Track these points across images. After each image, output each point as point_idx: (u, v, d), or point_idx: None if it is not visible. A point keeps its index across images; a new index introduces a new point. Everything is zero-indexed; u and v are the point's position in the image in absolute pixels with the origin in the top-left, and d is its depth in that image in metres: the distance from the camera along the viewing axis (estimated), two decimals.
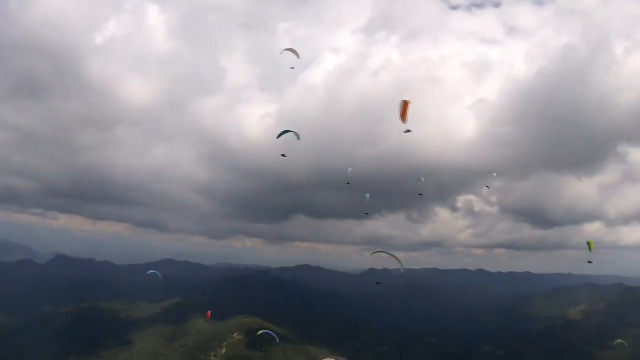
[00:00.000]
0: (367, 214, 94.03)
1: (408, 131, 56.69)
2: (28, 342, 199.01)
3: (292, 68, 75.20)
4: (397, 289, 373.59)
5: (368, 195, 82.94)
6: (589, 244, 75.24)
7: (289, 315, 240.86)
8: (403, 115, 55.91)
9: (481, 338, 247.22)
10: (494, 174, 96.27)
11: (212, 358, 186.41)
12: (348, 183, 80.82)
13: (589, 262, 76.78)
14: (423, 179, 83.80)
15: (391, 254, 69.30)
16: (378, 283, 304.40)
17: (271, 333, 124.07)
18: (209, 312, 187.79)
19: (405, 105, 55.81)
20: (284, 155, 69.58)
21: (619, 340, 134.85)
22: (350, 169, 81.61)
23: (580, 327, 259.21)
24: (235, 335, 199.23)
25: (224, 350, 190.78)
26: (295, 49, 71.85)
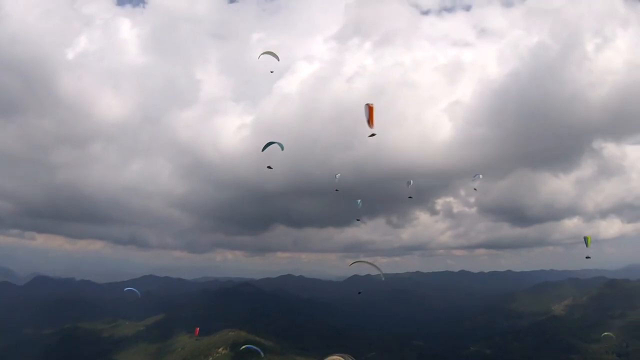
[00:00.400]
0: (358, 220, 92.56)
1: (372, 135, 55.88)
2: None
3: (272, 72, 74.02)
4: (380, 294, 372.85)
5: (359, 201, 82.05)
6: (585, 239, 73.91)
7: (273, 326, 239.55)
8: (370, 120, 55.14)
9: (468, 338, 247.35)
10: (480, 175, 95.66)
11: None
12: (336, 190, 79.74)
13: (587, 257, 75.46)
14: (412, 182, 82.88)
15: (370, 263, 68.36)
16: (359, 292, 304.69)
17: (254, 347, 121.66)
18: (197, 328, 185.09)
19: (370, 109, 54.99)
20: (269, 167, 69.83)
21: (605, 333, 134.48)
22: (338, 175, 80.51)
23: (565, 322, 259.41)
24: (220, 349, 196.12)
25: None
26: (275, 52, 70.58)
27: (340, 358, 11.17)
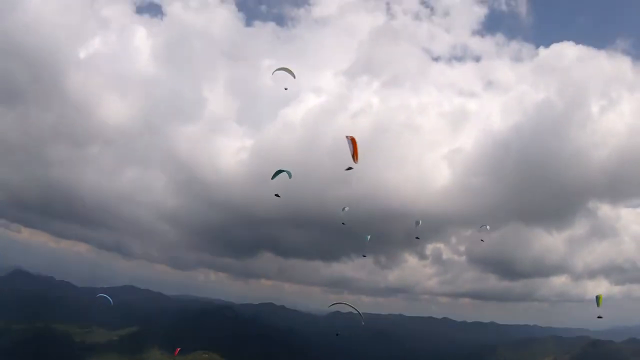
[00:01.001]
0: (364, 255, 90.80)
1: (349, 168, 53.91)
2: None
3: (286, 89, 71.82)
4: (361, 334, 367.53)
5: (368, 236, 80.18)
6: (597, 298, 71.45)
7: (248, 353, 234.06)
8: (354, 153, 53.14)
9: None
10: (488, 227, 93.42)
11: None
12: (343, 223, 77.58)
13: (599, 317, 72.73)
14: (420, 222, 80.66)
15: (351, 306, 66.67)
16: (337, 334, 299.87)
17: None
18: (178, 349, 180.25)
19: (353, 142, 53.04)
20: (277, 195, 68.55)
21: None
22: (346, 208, 78.06)
23: None
24: None
25: None
26: (290, 69, 68.26)
27: None
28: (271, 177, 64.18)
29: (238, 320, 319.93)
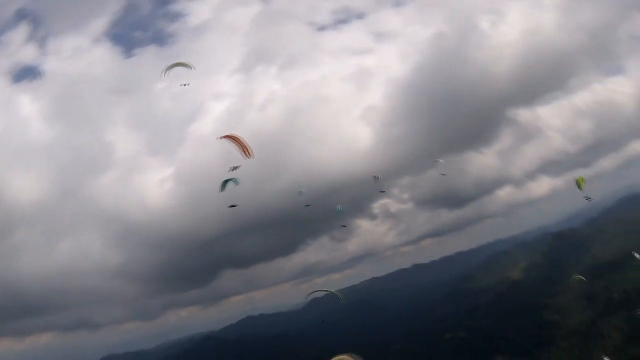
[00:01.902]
0: (344, 225, 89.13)
1: (232, 206, 53.78)
2: None
3: (186, 85, 68.13)
4: (343, 310, 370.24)
5: (340, 206, 79.79)
6: (577, 182, 69.16)
7: None
8: (245, 150, 52.16)
9: (440, 327, 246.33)
10: (440, 160, 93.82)
11: None
12: (307, 205, 76.82)
13: (587, 198, 70.80)
14: (379, 176, 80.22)
15: (325, 290, 66.37)
16: (323, 321, 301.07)
17: None
18: None
19: (234, 139, 52.14)
20: (233, 206, 67.28)
21: (575, 276, 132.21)
22: (302, 190, 77.29)
23: (526, 284, 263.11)
24: None
25: None
26: (185, 62, 65.03)
27: (349, 357, 10.96)
28: (219, 189, 62.84)
29: (224, 346, 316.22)
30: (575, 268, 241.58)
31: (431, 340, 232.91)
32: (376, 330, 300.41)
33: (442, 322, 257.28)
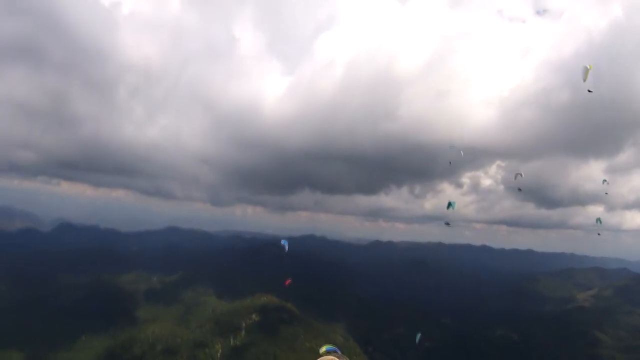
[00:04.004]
0: (447, 223, 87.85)
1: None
2: (35, 317, 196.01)
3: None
4: (405, 264, 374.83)
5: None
6: (584, 69, 62.05)
7: (303, 292, 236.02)
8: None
9: (493, 320, 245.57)
10: (522, 174, 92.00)
11: (232, 341, 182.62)
12: (449, 163, 77.52)
13: (589, 90, 64.20)
14: (462, 152, 79.51)
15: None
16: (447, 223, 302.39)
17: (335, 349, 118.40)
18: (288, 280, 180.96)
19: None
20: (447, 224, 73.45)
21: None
22: (453, 145, 77.99)
23: (591, 313, 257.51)
24: (253, 316, 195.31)
25: (243, 333, 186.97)
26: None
27: (335, 358, 10.47)
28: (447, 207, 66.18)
29: (285, 256, 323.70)
30: None
31: (482, 328, 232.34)
32: (428, 295, 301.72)
33: (496, 315, 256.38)
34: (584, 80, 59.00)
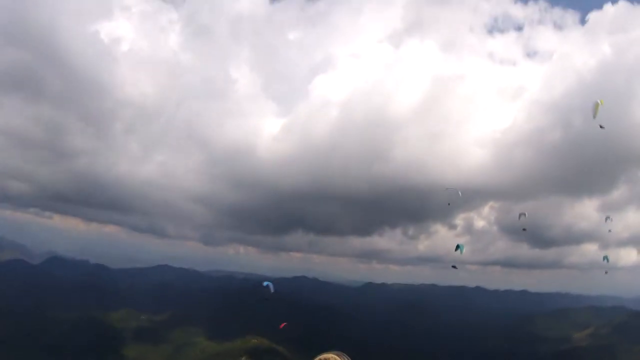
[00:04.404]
0: (454, 267, 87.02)
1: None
2: (22, 353, 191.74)
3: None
4: (396, 306, 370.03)
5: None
6: (594, 106, 56.51)
7: (294, 334, 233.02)
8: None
9: None
10: (526, 214, 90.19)
11: None
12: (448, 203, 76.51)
13: (601, 126, 58.14)
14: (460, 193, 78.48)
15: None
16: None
17: None
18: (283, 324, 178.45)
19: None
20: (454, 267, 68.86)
21: None
22: (448, 187, 76.94)
23: (589, 353, 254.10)
24: (243, 358, 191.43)
25: None
26: None
27: (336, 357, 8.01)
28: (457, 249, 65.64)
29: (276, 297, 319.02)
30: None
31: None
32: (423, 336, 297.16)
33: (494, 356, 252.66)
34: (594, 117, 56.70)
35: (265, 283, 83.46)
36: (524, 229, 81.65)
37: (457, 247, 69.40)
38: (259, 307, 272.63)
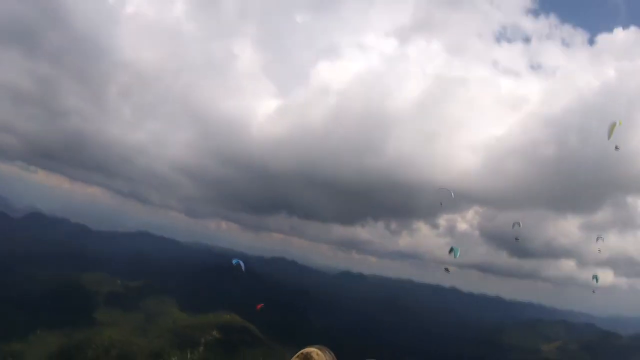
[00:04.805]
0: (447, 269, 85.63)
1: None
2: None
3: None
4: (373, 298, 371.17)
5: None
6: (610, 127, 54.05)
7: (266, 315, 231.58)
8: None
9: None
10: (520, 224, 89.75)
11: (189, 355, 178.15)
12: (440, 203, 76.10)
13: (616, 147, 58.08)
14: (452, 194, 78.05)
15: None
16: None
17: None
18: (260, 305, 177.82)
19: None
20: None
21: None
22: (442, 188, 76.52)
23: None
24: (214, 332, 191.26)
25: (201, 348, 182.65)
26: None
27: (318, 350, 8.00)
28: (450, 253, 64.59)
29: (253, 276, 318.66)
30: None
31: None
32: (395, 333, 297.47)
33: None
34: (609, 138, 55.00)
35: (235, 261, 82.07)
36: (517, 239, 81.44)
37: (451, 249, 68.94)
38: (234, 283, 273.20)
